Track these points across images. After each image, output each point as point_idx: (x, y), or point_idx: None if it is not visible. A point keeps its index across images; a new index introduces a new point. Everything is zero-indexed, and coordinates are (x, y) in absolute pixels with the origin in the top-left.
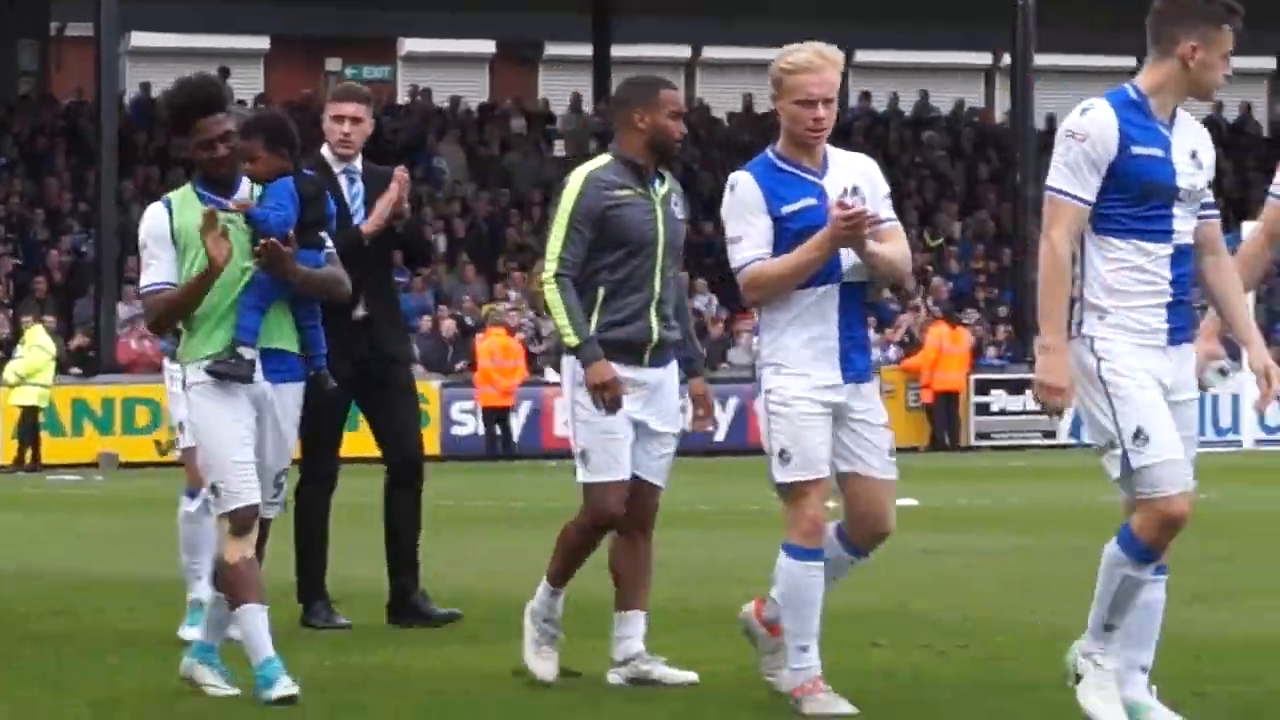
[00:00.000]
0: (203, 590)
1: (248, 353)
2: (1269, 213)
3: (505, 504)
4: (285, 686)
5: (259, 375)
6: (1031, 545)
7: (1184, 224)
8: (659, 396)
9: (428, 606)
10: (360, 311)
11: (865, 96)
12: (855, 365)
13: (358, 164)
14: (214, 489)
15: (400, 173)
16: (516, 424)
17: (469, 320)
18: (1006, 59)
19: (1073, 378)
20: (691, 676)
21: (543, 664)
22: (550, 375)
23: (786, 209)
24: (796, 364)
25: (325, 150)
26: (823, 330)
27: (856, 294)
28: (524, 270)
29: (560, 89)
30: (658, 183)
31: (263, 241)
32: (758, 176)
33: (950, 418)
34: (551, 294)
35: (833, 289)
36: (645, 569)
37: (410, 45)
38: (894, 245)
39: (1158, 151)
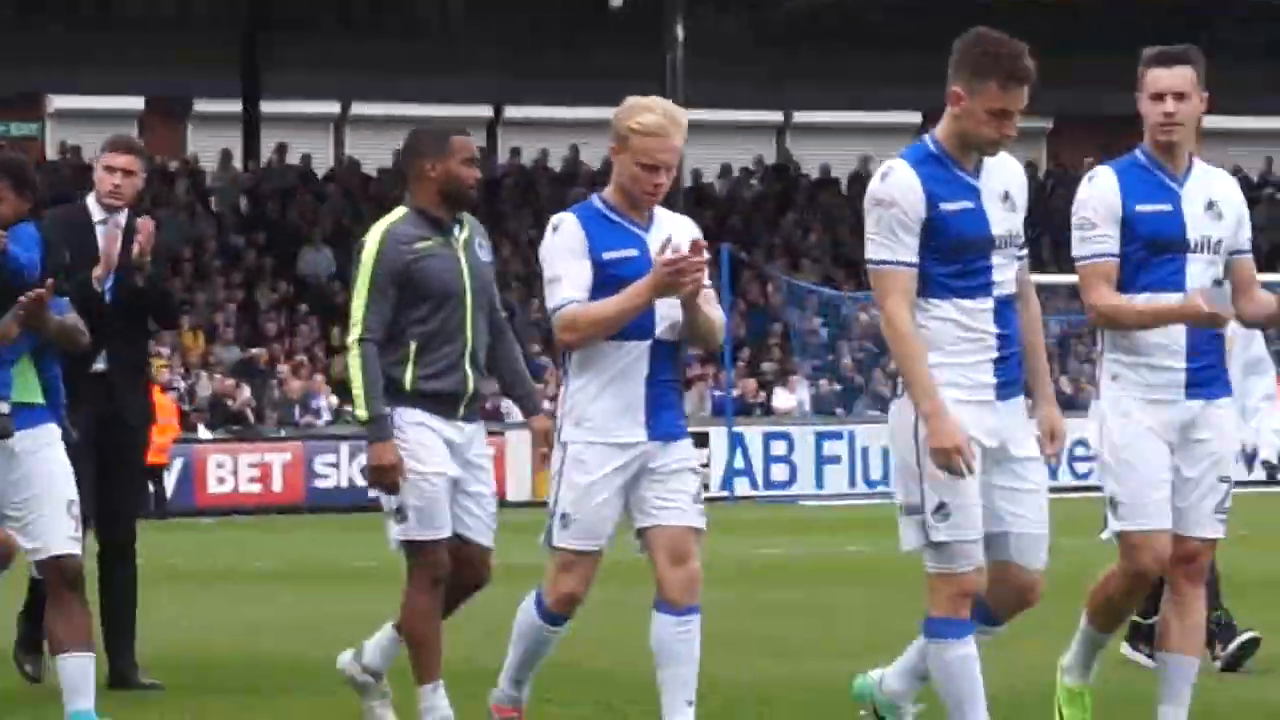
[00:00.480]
0: None
1: (3, 407)
2: (1108, 270)
3: (163, 561)
4: None
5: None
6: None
7: (1003, 273)
8: (472, 453)
9: (137, 677)
10: (100, 365)
11: (515, 153)
12: (662, 423)
13: (122, 218)
14: None
15: (143, 222)
16: (169, 481)
17: None
18: None
19: (895, 432)
20: None
21: None
22: (203, 432)
23: (608, 255)
24: (598, 421)
25: (90, 200)
26: (630, 389)
27: (668, 352)
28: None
29: (210, 145)
30: (457, 230)
31: (31, 293)
32: (583, 220)
33: None
34: (354, 360)
35: (644, 346)
36: (438, 633)
37: (58, 102)
38: (714, 309)
39: (968, 204)
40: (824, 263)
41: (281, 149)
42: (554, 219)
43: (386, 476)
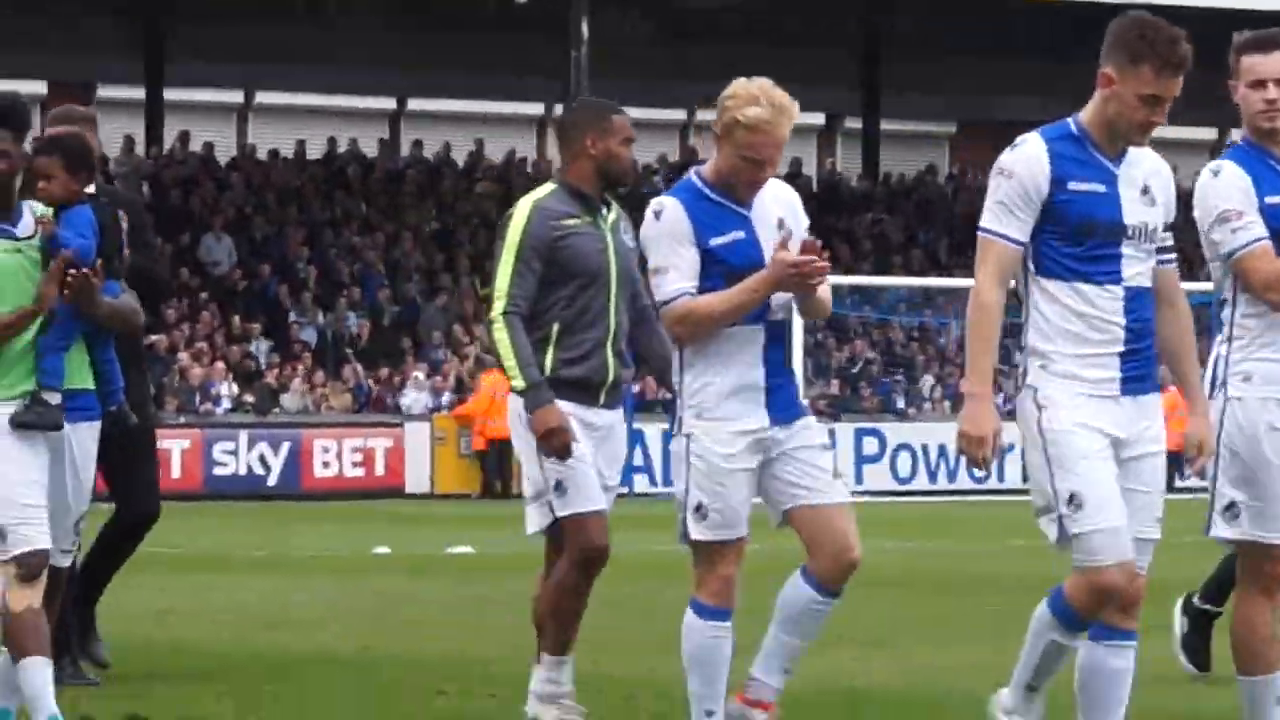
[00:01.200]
0: None
1: (54, 398)
2: (1265, 249)
3: None
4: None
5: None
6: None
7: (1136, 265)
8: (610, 442)
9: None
10: None
11: (418, 145)
12: (779, 404)
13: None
14: (0, 533)
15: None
16: None
17: None
18: (559, 109)
19: (1004, 426)
20: None
21: None
22: None
23: (715, 241)
24: (721, 409)
25: None
26: (749, 373)
27: (780, 332)
28: None
29: (113, 131)
30: (605, 210)
31: (74, 273)
32: (686, 204)
33: (503, 465)
34: (500, 333)
35: (759, 329)
36: (580, 612)
37: None
38: (825, 285)
39: (1099, 187)
40: None
41: (184, 136)
42: (654, 203)
43: (556, 439)
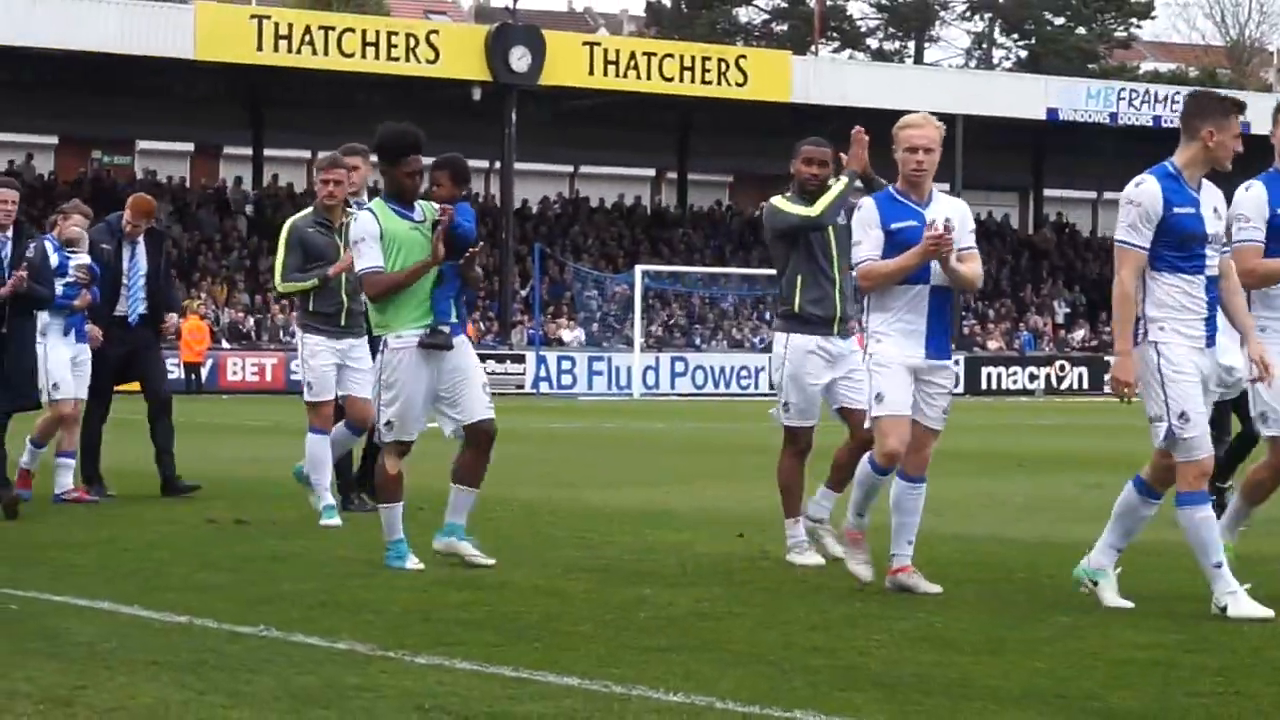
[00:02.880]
0: (327, 497)
1: (445, 328)
2: (1259, 249)
3: (195, 420)
4: (414, 562)
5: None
6: (521, 454)
7: (1212, 260)
8: (843, 363)
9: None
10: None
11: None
12: (935, 346)
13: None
14: (389, 424)
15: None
16: (204, 372)
17: None
18: None
19: (1139, 372)
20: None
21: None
22: (224, 342)
23: (894, 225)
24: (893, 342)
25: None
26: (914, 319)
27: (942, 295)
28: (218, 281)
29: None
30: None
31: (471, 250)
32: (877, 201)
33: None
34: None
35: (924, 289)
36: (851, 464)
37: None
38: (971, 266)
39: (1191, 209)
40: (594, 256)
41: None
42: (860, 201)
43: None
